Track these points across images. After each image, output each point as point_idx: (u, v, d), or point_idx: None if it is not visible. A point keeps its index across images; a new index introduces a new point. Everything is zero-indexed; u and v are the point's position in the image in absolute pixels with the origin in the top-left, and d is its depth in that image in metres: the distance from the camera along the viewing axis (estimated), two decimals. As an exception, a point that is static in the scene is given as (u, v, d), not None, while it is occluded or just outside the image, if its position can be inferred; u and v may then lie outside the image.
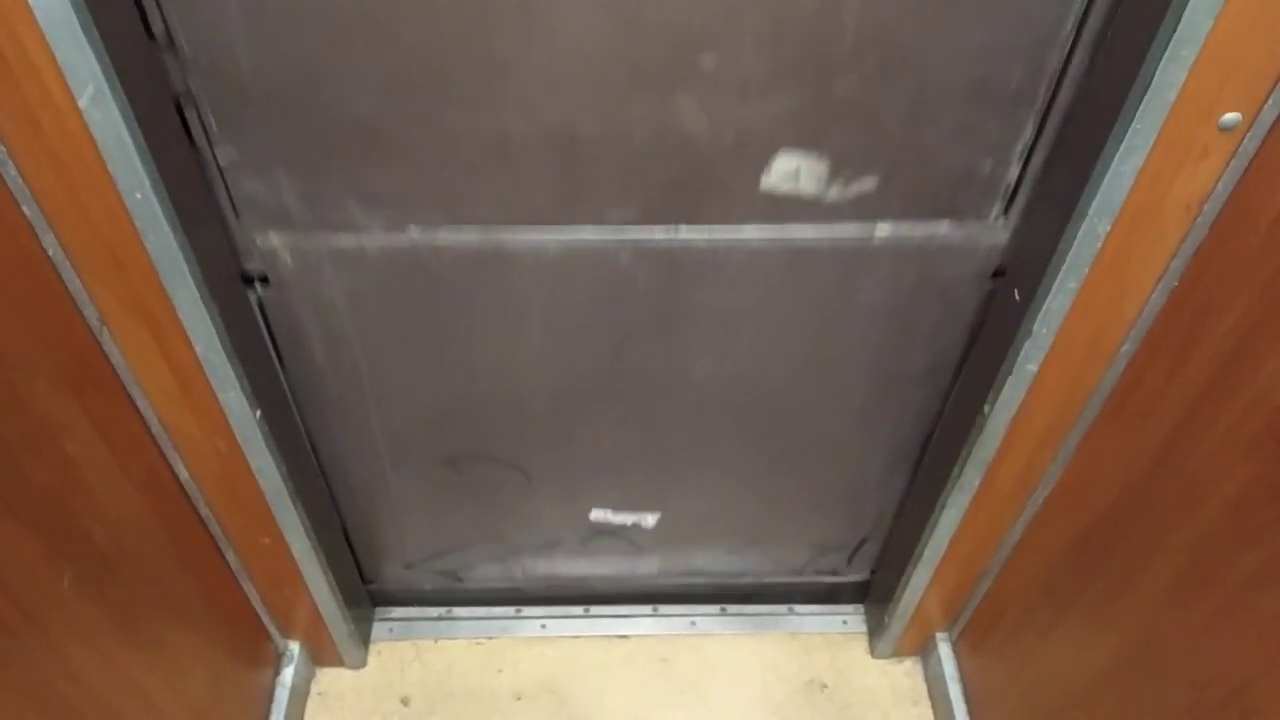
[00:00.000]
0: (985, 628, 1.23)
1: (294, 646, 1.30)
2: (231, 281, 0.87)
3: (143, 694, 0.91)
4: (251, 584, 1.15)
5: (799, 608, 1.44)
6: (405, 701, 1.33)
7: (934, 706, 1.34)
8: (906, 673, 1.38)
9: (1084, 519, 0.95)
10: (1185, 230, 0.76)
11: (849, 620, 1.43)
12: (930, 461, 1.13)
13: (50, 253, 0.73)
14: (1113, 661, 0.91)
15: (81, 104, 0.65)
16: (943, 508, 1.08)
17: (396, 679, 1.36)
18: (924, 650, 1.38)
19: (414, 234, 0.86)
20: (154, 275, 0.77)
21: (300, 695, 1.31)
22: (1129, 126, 0.69)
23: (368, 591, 1.40)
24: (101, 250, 0.75)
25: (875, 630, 1.39)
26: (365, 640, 1.38)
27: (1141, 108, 0.68)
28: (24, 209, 0.70)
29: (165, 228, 0.73)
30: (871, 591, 1.42)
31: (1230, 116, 0.68)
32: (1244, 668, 0.72)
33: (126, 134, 0.67)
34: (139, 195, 0.71)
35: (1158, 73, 0.66)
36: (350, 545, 1.30)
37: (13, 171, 0.68)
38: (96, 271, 0.76)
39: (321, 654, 1.33)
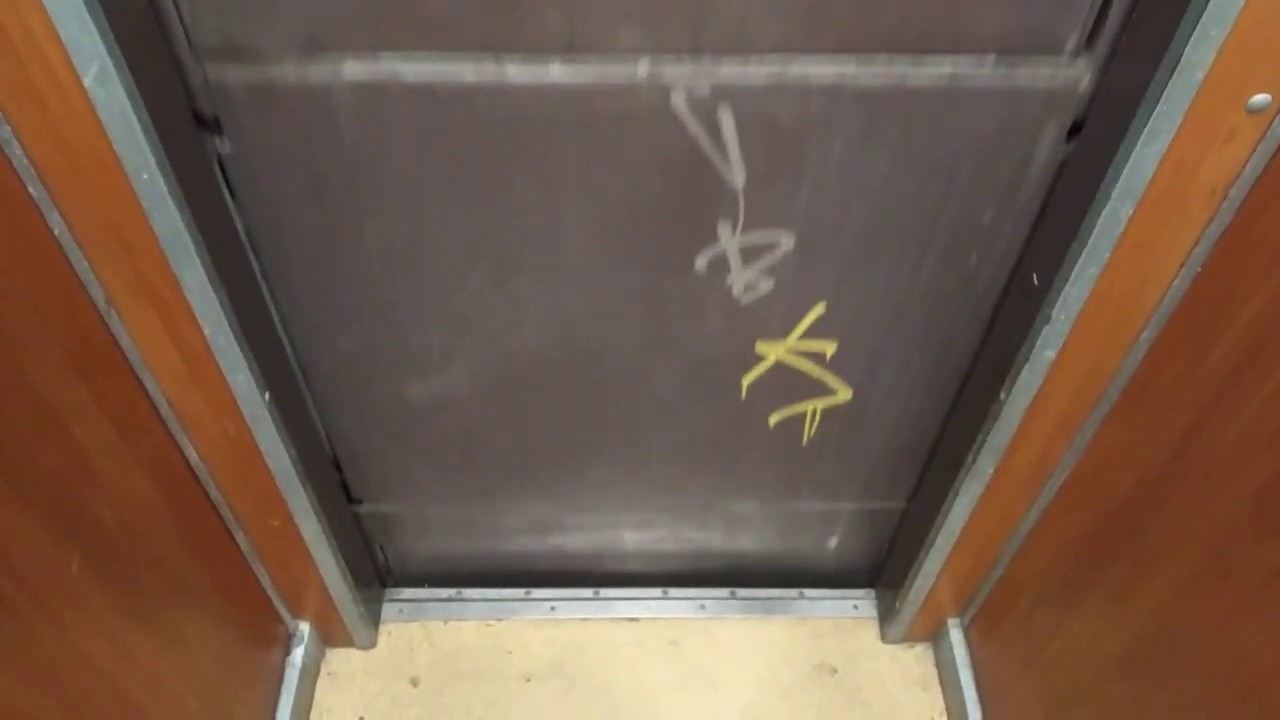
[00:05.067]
0: (997, 614, 1.22)
1: (304, 627, 1.30)
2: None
3: (152, 676, 0.91)
4: (261, 565, 1.15)
5: (809, 592, 1.44)
6: (415, 682, 1.34)
7: (944, 692, 1.34)
8: (917, 658, 1.38)
9: (1100, 508, 0.94)
10: (1210, 215, 0.75)
11: (859, 605, 1.43)
12: (945, 447, 1.12)
13: (56, 233, 0.72)
14: (1128, 652, 0.90)
15: (87, 83, 0.64)
16: (956, 494, 1.07)
17: (406, 660, 1.36)
18: (935, 636, 1.37)
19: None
20: (161, 257, 0.76)
21: (310, 675, 1.31)
22: (1155, 108, 0.67)
23: (377, 572, 1.40)
24: (108, 231, 0.74)
25: (886, 615, 1.38)
26: (375, 621, 1.38)
27: (1168, 89, 0.66)
28: (30, 189, 0.69)
29: (172, 209, 0.72)
30: (883, 576, 1.41)
31: (1259, 98, 0.66)
32: (1264, 661, 0.71)
33: (132, 113, 0.66)
34: (145, 176, 0.70)
35: (1186, 53, 0.64)
36: (360, 526, 1.30)
37: (18, 151, 0.67)
38: (103, 253, 0.75)
39: (331, 634, 1.34)
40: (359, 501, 1.23)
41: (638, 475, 1.23)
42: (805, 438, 1.15)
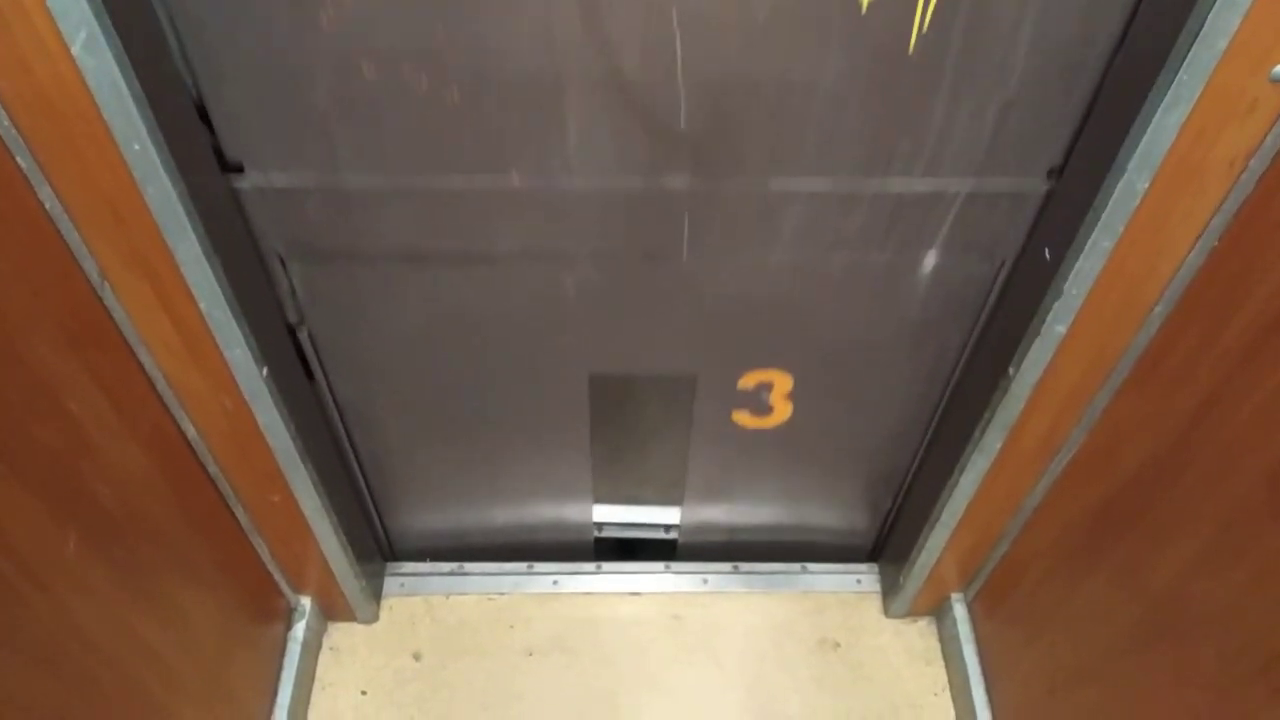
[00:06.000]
0: (1002, 590, 1.22)
1: (305, 602, 1.30)
2: (236, 236, 0.85)
3: (153, 653, 0.90)
4: (261, 540, 1.15)
5: (812, 566, 1.43)
6: (417, 656, 1.34)
7: (948, 667, 1.34)
8: (920, 633, 1.38)
9: (1109, 484, 0.93)
10: (1228, 187, 0.73)
11: (863, 579, 1.42)
12: (951, 422, 1.11)
13: (47, 206, 0.71)
14: (1135, 629, 0.90)
15: (75, 50, 0.62)
16: (962, 470, 1.06)
17: (408, 634, 1.36)
18: (939, 611, 1.37)
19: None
20: (155, 229, 0.74)
21: (312, 650, 1.31)
22: (1174, 77, 0.66)
23: (378, 547, 1.39)
24: (100, 203, 0.72)
25: (889, 590, 1.38)
26: (377, 595, 1.37)
27: (1189, 58, 0.64)
28: (19, 160, 0.67)
29: (165, 180, 0.71)
30: (886, 551, 1.40)
31: (1283, 67, 0.64)
32: (1276, 641, 0.70)
33: (122, 82, 0.64)
34: (137, 146, 0.68)
35: (1209, 19, 0.62)
36: (362, 501, 1.29)
37: (6, 122, 0.65)
38: (96, 225, 0.74)
39: (333, 609, 1.33)
40: (238, 169, 0.83)
41: (647, 123, 0.81)
42: (913, 36, 0.74)
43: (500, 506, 1.35)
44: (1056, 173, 0.84)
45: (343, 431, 1.17)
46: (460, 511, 1.36)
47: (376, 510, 1.34)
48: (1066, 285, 0.82)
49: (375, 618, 1.37)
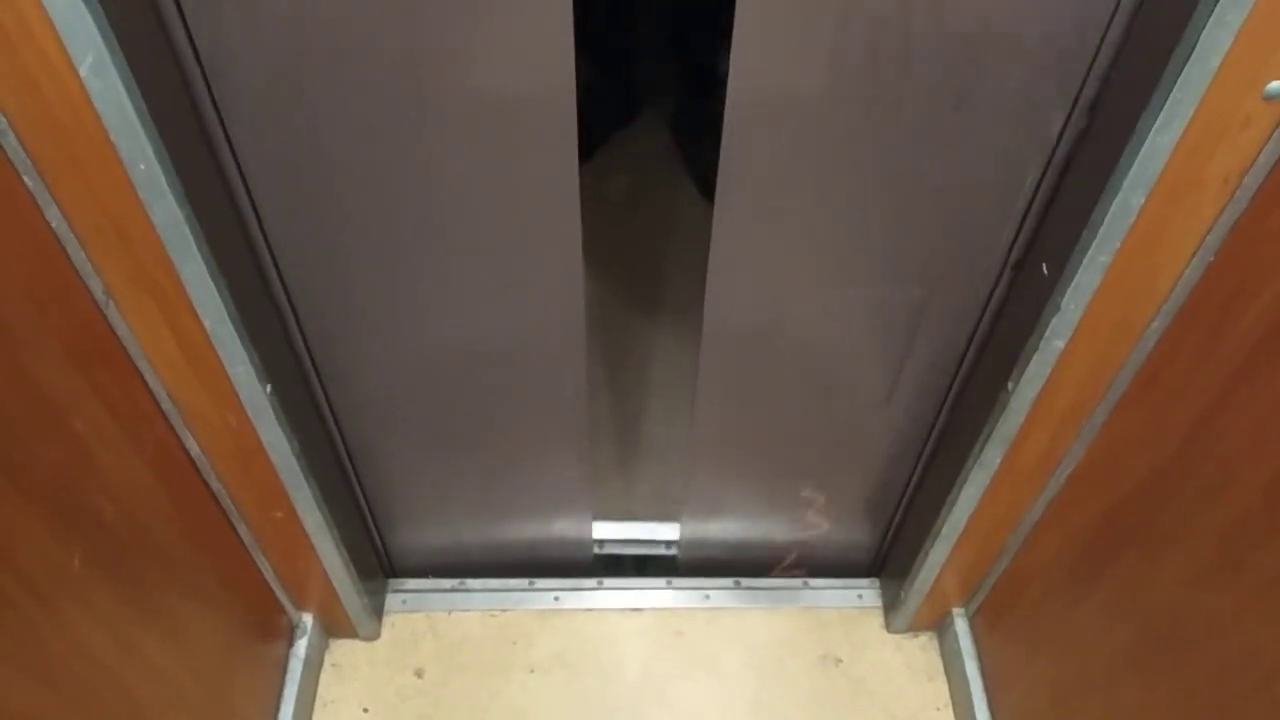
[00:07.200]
0: (1003, 604, 1.22)
1: (307, 618, 1.30)
2: (240, 255, 0.85)
3: (156, 670, 0.90)
4: (264, 557, 1.15)
5: (813, 581, 1.43)
6: (419, 673, 1.33)
7: (950, 682, 1.33)
8: (922, 648, 1.38)
9: (1109, 498, 0.93)
10: (1223, 203, 0.74)
11: (864, 595, 1.42)
12: (950, 437, 1.11)
13: (54, 225, 0.71)
14: (1137, 642, 0.90)
15: (82, 72, 0.63)
16: (962, 485, 1.06)
17: (410, 651, 1.36)
18: (940, 626, 1.37)
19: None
20: (160, 248, 0.75)
21: (314, 667, 1.31)
22: (1168, 96, 0.66)
23: (380, 563, 1.39)
24: (106, 223, 0.73)
25: (891, 605, 1.38)
26: (379, 612, 1.37)
27: (1182, 76, 0.65)
28: (26, 180, 0.68)
29: (170, 200, 0.71)
30: (887, 566, 1.40)
31: (1276, 85, 0.65)
32: (1276, 655, 0.70)
33: (129, 103, 0.65)
34: (143, 167, 0.69)
35: (1201, 38, 0.63)
36: (364, 517, 1.29)
37: (13, 142, 0.66)
38: (101, 245, 0.74)
39: (335, 626, 1.33)
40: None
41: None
42: None
43: (501, 522, 1.36)
44: None
45: (343, 448, 1.17)
46: (461, 527, 1.36)
47: (378, 527, 1.34)
48: (1064, 300, 0.82)
49: (377, 634, 1.37)
